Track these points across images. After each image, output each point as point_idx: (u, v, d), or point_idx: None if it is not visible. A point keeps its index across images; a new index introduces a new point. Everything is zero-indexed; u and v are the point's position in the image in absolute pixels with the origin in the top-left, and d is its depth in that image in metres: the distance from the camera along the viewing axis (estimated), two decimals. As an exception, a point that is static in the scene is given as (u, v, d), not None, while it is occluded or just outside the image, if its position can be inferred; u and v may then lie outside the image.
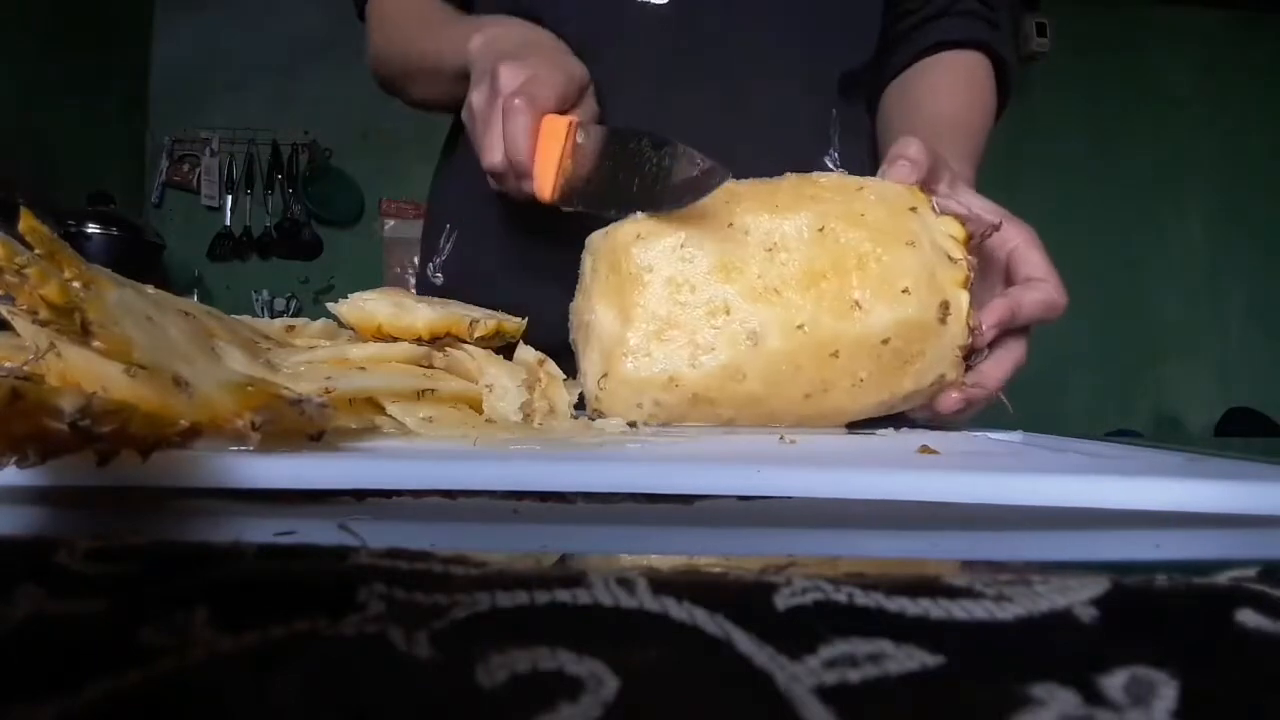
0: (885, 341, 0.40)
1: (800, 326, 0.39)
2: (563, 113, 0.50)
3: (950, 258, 0.42)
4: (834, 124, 0.69)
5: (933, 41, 0.70)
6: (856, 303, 0.40)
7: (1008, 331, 0.46)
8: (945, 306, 0.41)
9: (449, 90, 0.65)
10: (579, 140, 0.47)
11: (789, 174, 0.45)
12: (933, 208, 0.44)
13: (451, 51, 0.61)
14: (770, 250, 0.40)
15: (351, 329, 0.42)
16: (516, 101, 0.48)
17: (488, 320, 0.41)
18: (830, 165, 0.68)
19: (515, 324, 0.43)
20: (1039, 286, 0.46)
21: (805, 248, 0.40)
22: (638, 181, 0.45)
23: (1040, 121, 2.58)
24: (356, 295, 0.41)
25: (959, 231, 0.44)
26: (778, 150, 0.58)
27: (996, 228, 0.46)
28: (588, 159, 0.47)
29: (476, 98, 0.53)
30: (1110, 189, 2.86)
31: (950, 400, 0.44)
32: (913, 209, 0.43)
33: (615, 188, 0.45)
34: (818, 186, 0.43)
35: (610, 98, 0.63)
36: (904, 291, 0.40)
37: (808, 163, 0.61)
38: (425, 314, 0.39)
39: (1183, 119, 2.89)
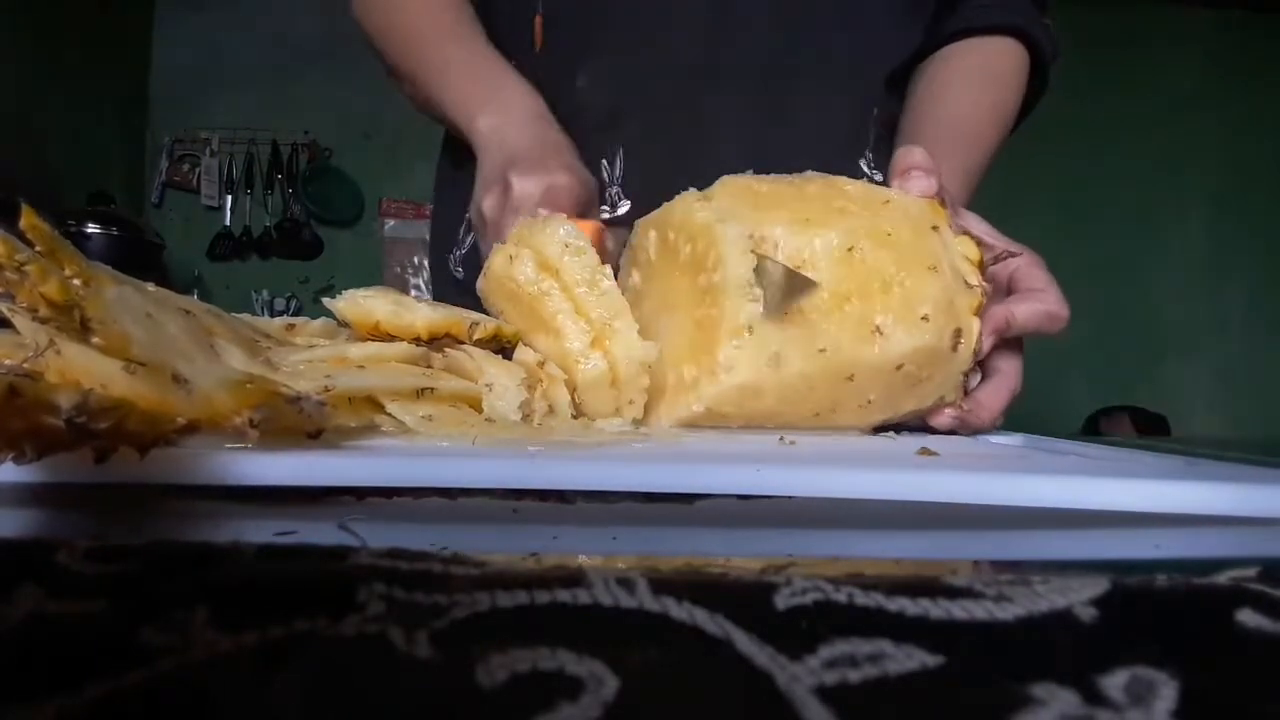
0: (899, 367, 0.40)
1: (822, 350, 0.39)
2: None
3: (967, 283, 0.42)
4: (873, 123, 0.67)
5: (957, 28, 0.67)
6: (878, 328, 0.39)
7: (1003, 349, 0.45)
8: (958, 334, 0.41)
9: (441, 122, 0.64)
10: (608, 246, 0.46)
11: (811, 173, 0.45)
12: (951, 225, 0.44)
13: (455, 112, 0.59)
14: (798, 268, 0.39)
15: (349, 327, 0.42)
16: (541, 212, 0.47)
17: (487, 323, 0.41)
18: (865, 167, 0.66)
19: (513, 329, 0.42)
20: (1037, 296, 0.45)
21: (833, 267, 0.40)
22: None
23: (1040, 121, 2.58)
24: (354, 292, 0.41)
25: (974, 254, 0.43)
26: (814, 151, 0.57)
27: (1014, 254, 0.45)
28: (618, 255, 0.47)
29: (489, 205, 0.52)
30: (1110, 189, 2.86)
31: (945, 418, 0.44)
32: (934, 228, 0.42)
33: None
34: (846, 197, 0.43)
35: (644, 96, 0.62)
36: (923, 318, 0.40)
37: (844, 163, 0.59)
38: (425, 314, 0.39)
39: (1183, 119, 2.89)
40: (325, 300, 0.42)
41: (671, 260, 0.43)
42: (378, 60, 0.69)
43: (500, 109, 0.56)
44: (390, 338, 0.39)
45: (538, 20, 0.64)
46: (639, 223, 0.46)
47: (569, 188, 0.50)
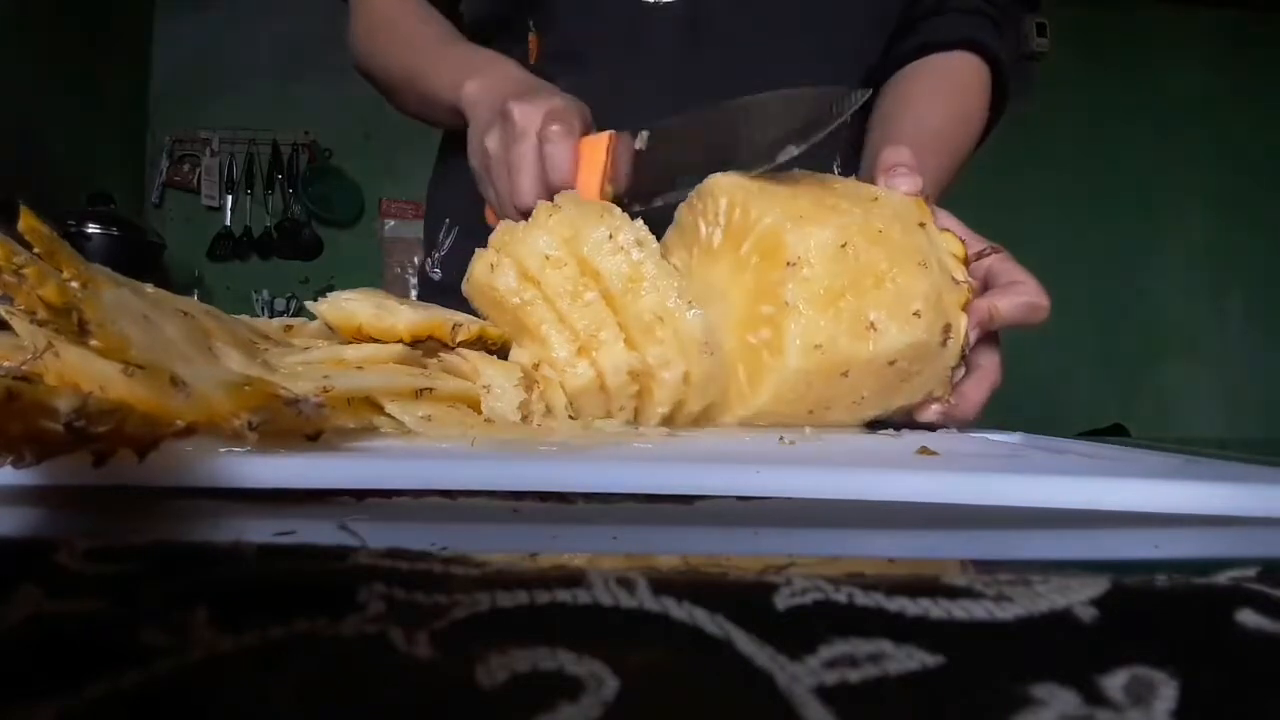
0: (892, 363, 0.40)
1: (818, 346, 0.39)
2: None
3: (954, 279, 0.42)
4: (847, 128, 0.68)
5: (919, 43, 0.68)
6: (872, 324, 0.39)
7: (982, 344, 0.46)
8: (947, 329, 0.41)
9: (437, 116, 0.64)
10: (620, 152, 0.46)
11: (798, 170, 0.45)
12: (934, 222, 0.44)
13: (445, 88, 0.60)
14: (793, 265, 0.39)
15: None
16: (554, 128, 0.47)
17: (470, 325, 0.41)
18: (835, 170, 0.67)
19: (498, 331, 0.42)
20: (1017, 288, 0.45)
21: (827, 264, 0.39)
22: (706, 152, 0.44)
23: (1040, 121, 2.58)
24: (336, 294, 0.40)
25: (959, 250, 0.44)
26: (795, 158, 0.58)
27: (997, 250, 0.46)
28: (631, 164, 0.47)
29: (491, 141, 0.51)
30: (1110, 189, 2.86)
31: (931, 412, 0.44)
32: (921, 224, 0.43)
33: (678, 168, 0.45)
34: (835, 195, 0.43)
35: (620, 99, 0.62)
36: (915, 314, 0.40)
37: (817, 166, 0.60)
38: (407, 316, 0.39)
39: (1183, 119, 2.89)
40: (309, 304, 0.41)
41: (740, 264, 0.42)
42: (382, 95, 0.71)
43: (487, 73, 0.58)
44: (371, 340, 0.39)
45: (532, 40, 0.65)
46: (693, 197, 0.45)
47: (571, 108, 0.49)
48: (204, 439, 0.23)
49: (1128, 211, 2.87)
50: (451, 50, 0.63)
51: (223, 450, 0.24)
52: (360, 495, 0.24)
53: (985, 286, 0.47)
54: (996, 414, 0.47)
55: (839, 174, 0.67)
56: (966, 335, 0.42)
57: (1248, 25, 2.90)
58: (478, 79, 0.57)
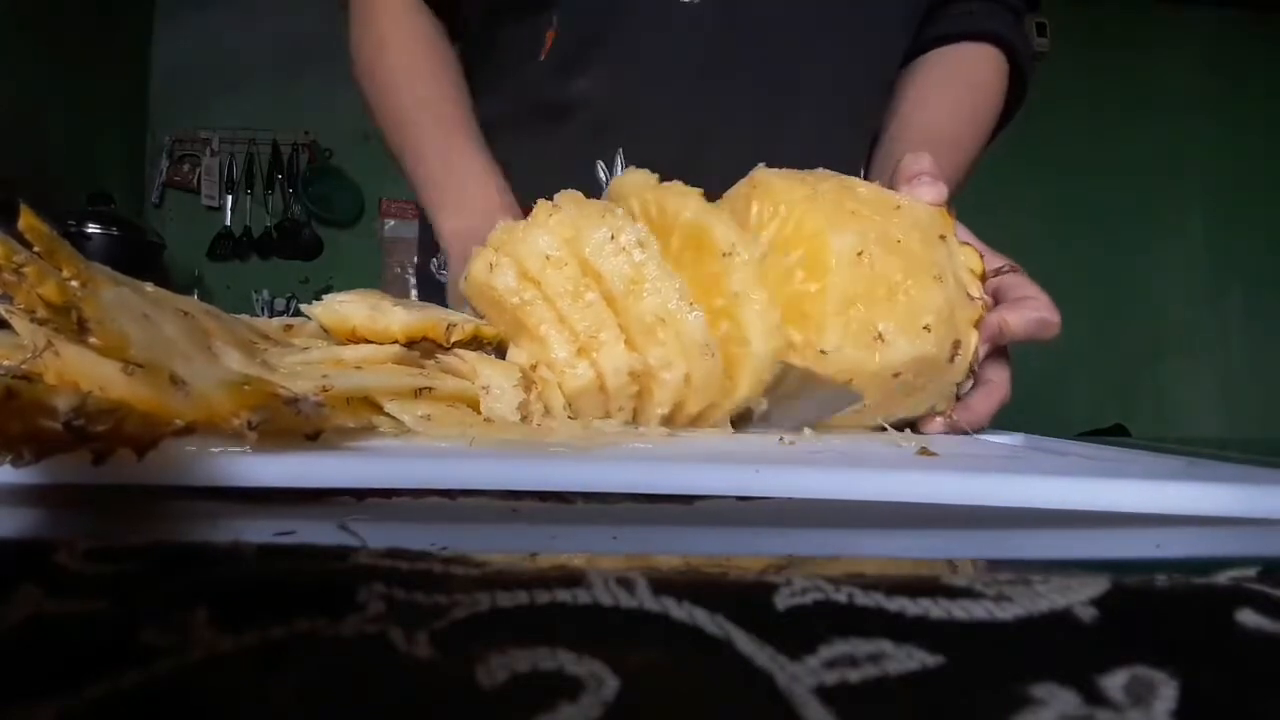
0: (897, 375, 0.40)
1: (823, 353, 0.39)
2: None
3: (969, 295, 0.42)
4: (868, 135, 0.67)
5: (938, 34, 0.68)
6: (880, 335, 0.39)
7: (993, 359, 0.45)
8: (957, 345, 0.41)
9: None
10: None
11: (823, 170, 0.44)
12: (955, 235, 0.44)
13: (426, 201, 0.62)
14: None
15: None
16: None
17: (465, 325, 0.40)
18: (861, 174, 0.67)
19: (494, 331, 0.42)
20: (1028, 303, 0.45)
21: (842, 270, 0.39)
22: None
23: (1040, 121, 2.58)
24: (331, 297, 0.40)
25: (977, 265, 0.43)
26: (816, 158, 0.58)
27: (1014, 268, 0.46)
28: None
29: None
30: (1110, 189, 2.86)
31: (935, 425, 0.44)
32: (942, 237, 0.42)
33: None
34: (857, 199, 0.42)
35: (645, 100, 0.62)
36: (925, 328, 0.40)
37: (844, 170, 0.60)
38: (401, 317, 0.39)
39: (1183, 119, 2.89)
40: (304, 307, 0.41)
41: (699, 270, 0.42)
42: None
43: (462, 211, 0.60)
44: (366, 342, 0.39)
45: (549, 35, 0.64)
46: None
47: None
48: (203, 438, 0.23)
49: (1128, 211, 2.87)
50: (439, 152, 0.63)
51: (222, 449, 0.24)
52: (360, 495, 0.24)
53: (996, 300, 0.47)
54: (997, 414, 0.47)
55: (864, 176, 0.66)
56: (976, 351, 0.42)
57: (1247, 25, 2.90)
58: (455, 219, 0.59)
